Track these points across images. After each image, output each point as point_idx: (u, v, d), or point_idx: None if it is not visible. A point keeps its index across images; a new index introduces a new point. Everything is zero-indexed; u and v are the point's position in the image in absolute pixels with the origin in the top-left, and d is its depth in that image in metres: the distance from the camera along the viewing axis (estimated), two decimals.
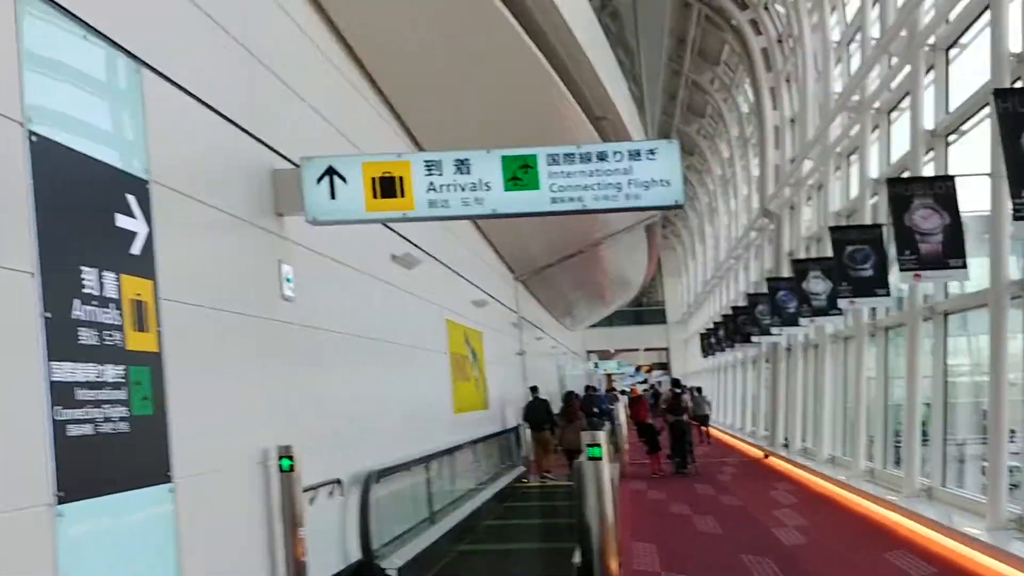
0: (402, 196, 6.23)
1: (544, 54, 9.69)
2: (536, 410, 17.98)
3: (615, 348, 56.19)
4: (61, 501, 3.80)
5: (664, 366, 57.85)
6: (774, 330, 17.65)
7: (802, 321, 14.91)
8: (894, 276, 11.14)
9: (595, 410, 20.02)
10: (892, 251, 10.36)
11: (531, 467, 18.48)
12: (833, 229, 12.03)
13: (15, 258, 3.75)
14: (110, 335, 4.28)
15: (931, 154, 11.40)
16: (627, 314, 53.12)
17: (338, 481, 7.23)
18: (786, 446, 20.34)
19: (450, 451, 12.11)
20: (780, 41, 21.58)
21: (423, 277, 11.00)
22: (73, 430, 3.92)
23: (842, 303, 11.74)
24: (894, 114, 13.57)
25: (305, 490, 6.26)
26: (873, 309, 13.58)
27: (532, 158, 6.18)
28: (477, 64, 9.63)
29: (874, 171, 13.91)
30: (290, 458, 6.05)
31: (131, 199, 4.61)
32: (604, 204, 6.17)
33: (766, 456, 20.74)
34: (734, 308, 23.90)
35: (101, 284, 4.26)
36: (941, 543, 9.41)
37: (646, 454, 18.48)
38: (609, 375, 52.38)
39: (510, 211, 6.29)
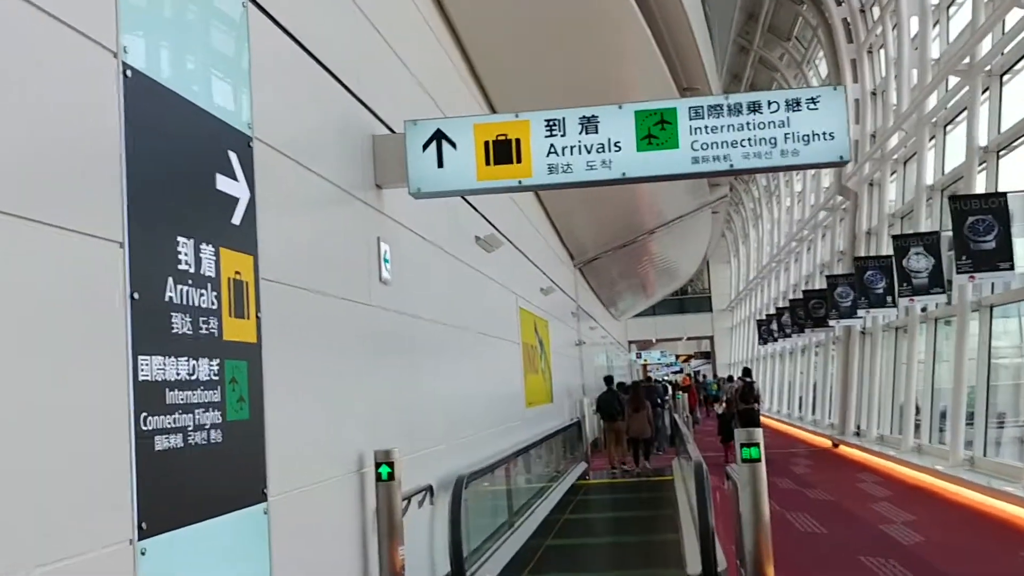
0: (518, 162, 5.45)
1: (642, 13, 8.88)
2: (610, 401, 17.85)
3: (657, 337, 55.35)
4: (144, 535, 2.98)
5: (707, 355, 57.01)
6: (861, 312, 16.67)
7: (901, 301, 13.97)
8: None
9: (659, 400, 19.72)
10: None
11: (592, 462, 17.94)
12: (953, 199, 11.05)
13: (101, 222, 2.92)
14: (206, 322, 3.50)
15: None
16: (671, 303, 52.39)
17: (429, 488, 6.45)
18: (858, 434, 19.65)
19: (526, 449, 11.46)
20: (863, 10, 20.79)
21: (500, 261, 10.30)
22: (160, 443, 3.13)
23: (960, 278, 10.85)
24: (1006, 76, 12.70)
25: None
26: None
27: (671, 112, 5.36)
28: (569, 25, 8.82)
29: (983, 139, 12.96)
30: (390, 464, 5.29)
31: (233, 157, 3.85)
32: (755, 163, 5.32)
33: (835, 445, 20.13)
34: (805, 292, 22.98)
35: (198, 259, 3.49)
36: None
37: (719, 443, 17.83)
38: (645, 365, 51.66)
39: (643, 174, 5.46)
